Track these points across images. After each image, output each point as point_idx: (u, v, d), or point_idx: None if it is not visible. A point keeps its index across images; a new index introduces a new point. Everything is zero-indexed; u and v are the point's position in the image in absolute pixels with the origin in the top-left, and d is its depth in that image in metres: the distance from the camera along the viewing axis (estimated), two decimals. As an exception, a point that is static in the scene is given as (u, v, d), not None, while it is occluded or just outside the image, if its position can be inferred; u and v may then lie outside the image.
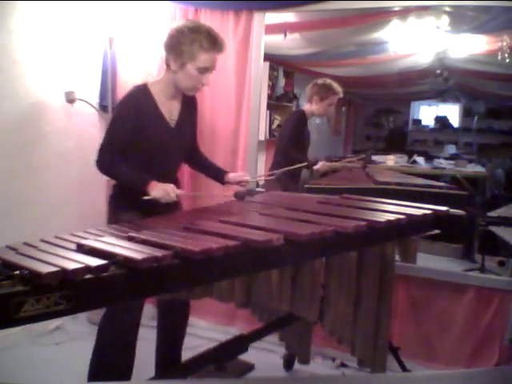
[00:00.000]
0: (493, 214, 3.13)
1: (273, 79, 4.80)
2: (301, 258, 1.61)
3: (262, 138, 3.94)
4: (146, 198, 1.97)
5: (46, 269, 1.06)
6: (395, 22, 3.50)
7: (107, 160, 2.07)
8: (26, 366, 2.61)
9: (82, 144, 3.25)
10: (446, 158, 5.92)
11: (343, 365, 2.77)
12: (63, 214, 3.13)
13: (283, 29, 3.55)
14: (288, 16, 3.29)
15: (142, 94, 2.08)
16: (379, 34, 3.78)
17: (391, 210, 1.90)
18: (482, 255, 3.64)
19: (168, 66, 2.08)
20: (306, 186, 3.35)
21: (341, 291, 1.90)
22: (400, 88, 6.34)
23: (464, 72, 5.35)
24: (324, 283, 1.89)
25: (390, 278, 2.03)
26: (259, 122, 3.08)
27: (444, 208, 2.04)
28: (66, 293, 1.06)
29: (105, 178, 2.23)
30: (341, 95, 3.33)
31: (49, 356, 2.74)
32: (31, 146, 2.92)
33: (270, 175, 2.88)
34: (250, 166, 3.03)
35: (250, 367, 2.67)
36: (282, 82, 5.01)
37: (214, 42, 2.01)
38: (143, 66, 3.25)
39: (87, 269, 1.10)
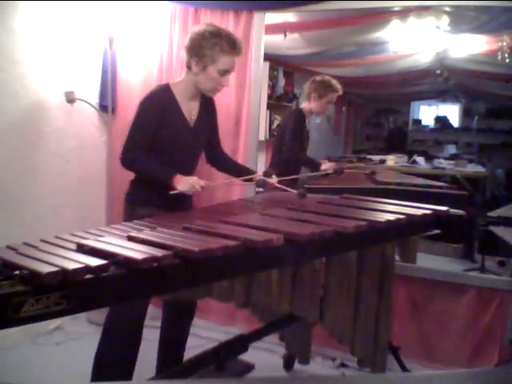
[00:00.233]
0: (493, 213, 3.13)
1: (273, 79, 4.80)
2: (301, 258, 1.61)
3: (261, 138, 3.95)
4: (172, 192, 2.03)
5: (46, 269, 1.06)
6: (395, 22, 3.50)
7: (132, 155, 2.13)
8: (26, 366, 2.61)
9: (82, 144, 3.25)
10: (446, 158, 5.92)
11: (343, 365, 2.77)
12: (63, 214, 3.14)
13: (283, 29, 3.55)
14: (288, 16, 3.29)
15: (165, 93, 2.17)
16: (379, 34, 3.78)
17: (391, 210, 1.90)
18: (482, 255, 3.64)
19: (189, 68, 2.17)
20: (305, 185, 3.34)
21: (341, 291, 1.90)
22: (400, 88, 6.35)
23: (464, 72, 5.35)
24: (324, 283, 1.89)
25: (390, 277, 2.03)
26: (259, 122, 3.08)
27: (444, 208, 2.04)
28: (65, 293, 1.06)
29: (130, 173, 2.27)
30: (340, 93, 3.27)
31: (49, 356, 2.74)
32: (31, 145, 2.92)
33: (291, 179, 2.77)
34: (250, 166, 3.02)
35: (249, 367, 2.67)
36: (281, 82, 5.01)
37: (233, 46, 2.10)
38: (143, 65, 3.25)
39: (87, 269, 1.10)
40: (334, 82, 3.22)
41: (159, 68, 3.19)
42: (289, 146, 3.22)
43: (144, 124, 2.14)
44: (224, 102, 3.07)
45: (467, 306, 2.65)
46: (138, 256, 1.18)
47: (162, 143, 2.16)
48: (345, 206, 1.97)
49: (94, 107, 3.25)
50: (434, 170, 5.02)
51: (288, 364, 2.70)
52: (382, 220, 1.73)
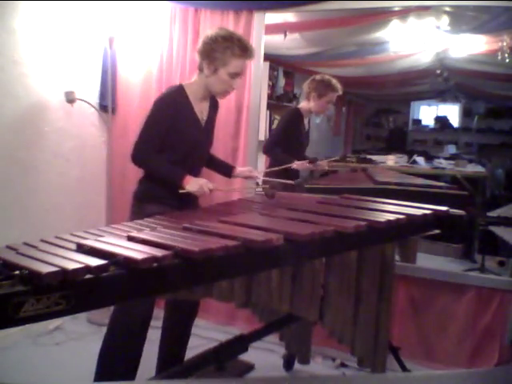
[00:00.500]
0: (493, 213, 3.13)
1: (273, 79, 4.80)
2: (301, 258, 1.61)
3: (261, 138, 3.94)
4: (181, 191, 2.09)
5: (46, 269, 1.06)
6: (395, 22, 3.49)
7: (144, 154, 2.17)
8: (26, 366, 2.61)
9: (82, 144, 3.25)
10: (446, 158, 5.91)
11: (343, 365, 2.77)
12: (63, 213, 3.14)
13: (283, 29, 3.55)
14: (288, 16, 3.29)
15: (179, 93, 2.22)
16: (379, 34, 3.78)
17: (391, 210, 1.90)
18: (482, 255, 3.64)
19: (201, 70, 2.23)
20: (305, 186, 3.34)
21: (341, 291, 1.90)
22: (400, 88, 6.35)
23: (464, 72, 5.35)
24: (324, 283, 1.89)
25: (390, 278, 2.03)
26: (259, 122, 3.08)
27: (444, 208, 2.04)
28: (65, 293, 1.06)
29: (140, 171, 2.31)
30: (340, 92, 3.22)
31: (49, 356, 2.74)
32: (31, 145, 2.92)
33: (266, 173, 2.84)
34: (250, 166, 3.03)
35: (249, 367, 2.67)
36: (281, 81, 5.01)
37: (244, 49, 2.15)
38: (143, 65, 3.25)
39: (87, 269, 1.10)
40: (334, 81, 3.18)
41: (159, 68, 3.19)
42: (269, 141, 3.25)
43: (157, 123, 2.18)
44: (224, 102, 3.07)
45: (467, 306, 2.65)
46: (138, 256, 1.18)
47: (175, 142, 2.21)
48: (345, 206, 1.97)
49: (94, 107, 3.25)
50: (433, 169, 5.01)
51: (288, 364, 2.70)
52: (382, 220, 1.73)
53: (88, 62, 3.22)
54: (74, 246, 1.30)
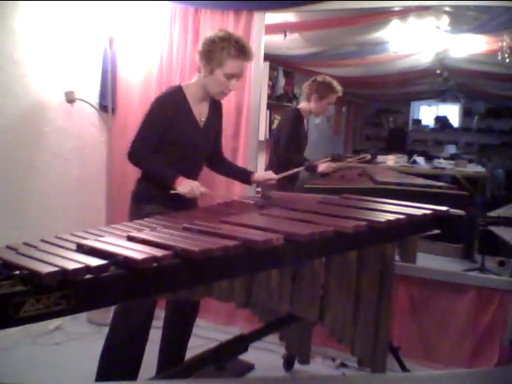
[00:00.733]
0: (493, 213, 3.13)
1: (273, 79, 4.80)
2: (301, 258, 1.61)
3: (262, 138, 3.94)
4: (172, 192, 2.09)
5: (46, 269, 1.06)
6: (395, 22, 3.49)
7: (139, 153, 2.19)
8: (26, 366, 2.61)
9: (82, 144, 3.25)
10: (446, 158, 5.92)
11: (343, 365, 2.77)
12: (63, 213, 3.14)
13: (283, 29, 3.55)
14: (288, 16, 3.29)
15: (178, 94, 2.22)
16: (379, 34, 3.78)
17: (391, 210, 1.90)
18: (482, 255, 3.64)
19: (200, 71, 2.24)
20: (305, 186, 3.34)
21: (341, 291, 1.90)
22: (400, 88, 6.35)
23: (464, 72, 5.35)
24: (324, 283, 1.89)
25: (390, 277, 2.03)
26: (259, 122, 3.08)
27: (444, 208, 2.04)
28: (66, 293, 1.06)
29: (137, 169, 2.32)
30: (340, 94, 3.23)
31: (49, 356, 2.74)
32: (31, 145, 2.92)
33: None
34: (250, 166, 3.03)
35: (249, 367, 2.67)
36: (281, 81, 5.01)
37: (241, 51, 2.13)
38: (143, 65, 3.25)
39: (87, 269, 1.10)
40: (335, 83, 3.18)
41: (159, 68, 3.19)
42: (284, 148, 3.18)
43: (154, 122, 2.19)
44: (224, 102, 3.06)
45: (467, 306, 2.65)
46: (138, 256, 1.18)
47: (172, 143, 2.21)
48: (345, 206, 1.97)
49: (94, 107, 3.25)
50: (434, 169, 5.01)
51: (288, 364, 2.70)
52: (382, 220, 1.73)
53: (88, 61, 3.22)
54: (73, 246, 1.30)
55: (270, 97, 4.63)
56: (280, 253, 1.45)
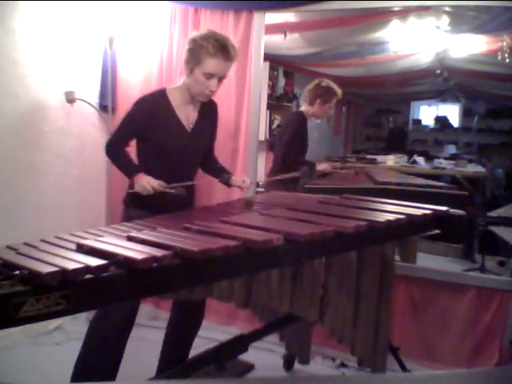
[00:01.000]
0: (493, 213, 3.13)
1: (273, 79, 4.80)
2: (301, 258, 1.61)
3: (262, 138, 3.95)
4: (129, 191, 2.07)
5: (46, 269, 1.06)
6: (395, 22, 3.50)
7: (111, 148, 2.22)
8: (26, 366, 2.61)
9: (82, 144, 3.25)
10: (446, 158, 5.92)
11: (343, 365, 2.77)
12: (63, 213, 3.14)
13: (283, 29, 3.55)
14: (288, 16, 3.29)
15: (159, 97, 2.19)
16: (379, 34, 3.78)
17: (391, 210, 1.90)
18: (482, 255, 3.64)
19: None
20: (305, 186, 3.34)
21: (341, 291, 1.90)
22: (400, 88, 6.35)
23: (464, 72, 5.35)
24: (324, 283, 1.89)
25: (390, 277, 2.03)
26: (259, 122, 3.08)
27: (444, 208, 2.04)
28: (65, 293, 1.06)
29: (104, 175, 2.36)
30: (340, 97, 3.36)
31: (49, 356, 2.74)
32: (31, 145, 2.92)
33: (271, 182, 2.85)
34: (250, 166, 3.03)
35: (249, 367, 2.67)
36: (282, 81, 5.01)
37: (220, 49, 2.06)
38: (143, 65, 3.25)
39: (87, 269, 1.10)
40: (336, 86, 3.29)
41: (159, 68, 3.19)
42: (287, 150, 3.28)
43: (130, 122, 2.18)
44: (224, 101, 3.07)
45: (467, 306, 2.65)
46: (138, 256, 1.18)
47: (157, 148, 2.18)
48: (345, 206, 1.97)
49: (93, 107, 3.25)
50: (434, 169, 5.02)
51: (288, 364, 2.70)
52: (382, 220, 1.73)
53: (88, 61, 3.22)
54: (73, 246, 1.30)
55: (269, 97, 4.63)
56: (280, 253, 1.45)
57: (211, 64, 2.08)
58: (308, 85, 3.40)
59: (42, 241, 1.40)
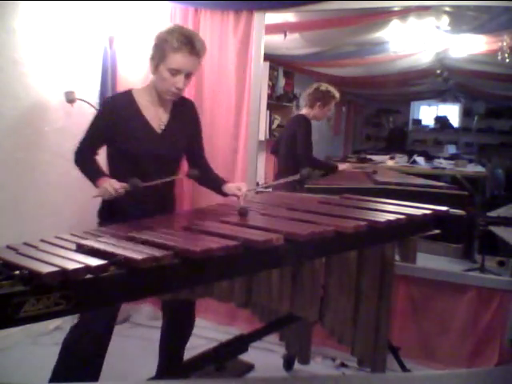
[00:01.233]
0: (493, 213, 3.13)
1: (273, 79, 4.81)
2: (301, 258, 1.61)
3: (262, 137, 3.95)
4: (94, 196, 1.96)
5: (46, 269, 1.06)
6: (395, 22, 3.50)
7: (78, 154, 2.15)
8: (26, 366, 2.61)
9: (82, 144, 3.25)
10: (446, 158, 5.92)
11: (343, 365, 2.76)
12: (63, 213, 3.13)
13: (283, 29, 3.55)
14: (288, 16, 3.29)
15: (124, 98, 2.07)
16: (379, 34, 3.78)
17: (391, 210, 1.90)
18: (482, 255, 3.64)
19: None
20: (305, 186, 3.35)
21: (341, 291, 1.90)
22: (400, 88, 6.36)
23: (464, 72, 5.36)
24: (324, 283, 1.89)
25: (390, 277, 2.03)
26: (259, 122, 3.08)
27: (444, 208, 2.04)
28: (65, 293, 1.06)
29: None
30: (338, 100, 3.52)
31: (49, 356, 2.73)
32: (31, 145, 2.91)
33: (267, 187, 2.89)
34: (250, 166, 3.03)
35: (249, 367, 2.67)
36: (281, 82, 5.01)
37: (185, 43, 1.92)
38: (143, 65, 3.25)
39: (87, 269, 1.10)
40: (334, 90, 3.45)
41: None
42: (307, 155, 3.39)
43: (95, 127, 2.09)
44: (224, 101, 3.07)
45: (467, 306, 2.65)
46: (138, 256, 1.18)
47: (127, 152, 2.04)
48: (345, 206, 1.97)
49: (93, 107, 3.25)
50: (434, 169, 5.02)
51: (288, 364, 2.70)
52: (382, 220, 1.73)
53: (88, 61, 3.22)
54: (73, 246, 1.30)
55: (269, 97, 4.64)
56: (280, 253, 1.45)
57: (176, 59, 1.93)
58: (307, 89, 3.52)
59: (42, 241, 1.40)
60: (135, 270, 1.17)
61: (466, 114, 7.73)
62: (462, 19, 3.39)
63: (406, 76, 5.43)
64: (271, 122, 4.75)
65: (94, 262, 1.13)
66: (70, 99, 3.02)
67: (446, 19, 3.38)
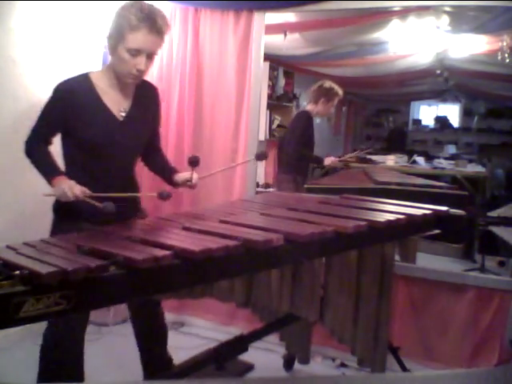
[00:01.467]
0: (493, 213, 3.13)
1: (273, 79, 4.81)
2: (301, 258, 1.61)
3: (262, 138, 3.96)
4: (45, 195, 1.79)
5: (45, 269, 1.06)
6: (395, 22, 3.50)
7: (29, 145, 1.94)
8: (26, 366, 2.60)
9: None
10: (446, 158, 5.92)
11: (343, 365, 2.76)
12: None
13: (283, 29, 3.56)
14: (288, 16, 3.29)
15: (81, 82, 1.88)
16: (379, 34, 3.78)
17: (391, 210, 1.90)
18: (482, 255, 3.64)
19: None
20: (305, 186, 3.36)
21: (341, 291, 1.90)
22: (400, 88, 6.36)
23: (464, 72, 5.36)
24: (324, 283, 1.89)
25: (390, 277, 2.03)
26: (259, 122, 3.08)
27: (444, 208, 2.04)
28: (65, 293, 1.06)
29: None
30: (341, 96, 3.67)
31: (49, 356, 2.73)
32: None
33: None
34: (250, 166, 3.03)
35: (249, 367, 2.67)
36: (281, 81, 5.02)
37: (145, 20, 1.74)
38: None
39: (87, 269, 1.10)
40: (337, 87, 3.60)
41: (159, 68, 3.19)
42: (296, 147, 3.58)
43: (48, 114, 1.89)
44: (224, 101, 3.07)
45: (467, 306, 2.65)
46: (138, 256, 1.18)
47: (85, 142, 1.86)
48: (345, 206, 1.96)
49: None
50: (433, 170, 5.02)
51: (288, 364, 2.70)
52: (382, 220, 1.73)
53: (87, 61, 3.21)
54: (73, 246, 1.30)
55: (270, 97, 4.64)
56: (280, 253, 1.45)
57: (136, 38, 1.76)
58: (311, 86, 3.69)
59: (42, 241, 1.40)
60: (135, 270, 1.17)
61: (466, 113, 7.73)
62: (462, 19, 3.39)
63: (406, 76, 5.44)
64: (271, 122, 4.75)
65: (94, 262, 1.13)
66: (70, 99, 3.02)
67: (446, 19, 3.38)
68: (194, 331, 2.92)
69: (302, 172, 3.69)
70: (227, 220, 1.66)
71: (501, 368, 1.78)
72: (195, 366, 1.94)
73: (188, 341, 2.74)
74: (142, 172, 2.36)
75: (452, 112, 7.95)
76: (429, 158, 5.79)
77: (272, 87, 4.78)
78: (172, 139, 3.14)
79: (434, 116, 8.03)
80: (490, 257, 3.60)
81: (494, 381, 0.86)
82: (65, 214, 1.92)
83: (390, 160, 5.11)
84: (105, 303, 1.29)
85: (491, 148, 7.03)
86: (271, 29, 3.11)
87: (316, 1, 2.80)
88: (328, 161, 3.89)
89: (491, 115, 7.37)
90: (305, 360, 2.49)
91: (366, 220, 1.69)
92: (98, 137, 1.86)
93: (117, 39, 1.79)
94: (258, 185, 3.14)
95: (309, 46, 4.23)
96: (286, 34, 3.61)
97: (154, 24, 1.77)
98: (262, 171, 4.56)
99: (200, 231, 1.49)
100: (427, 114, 8.13)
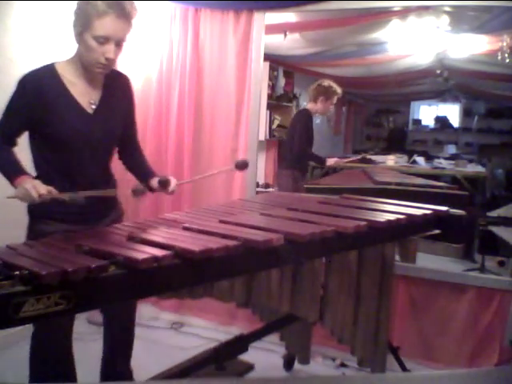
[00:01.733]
0: (493, 213, 3.13)
1: (273, 79, 4.81)
2: (301, 258, 1.61)
3: (262, 138, 3.97)
4: (8, 196, 1.66)
5: (46, 269, 1.06)
6: (395, 22, 3.50)
7: None
8: (26, 366, 2.60)
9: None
10: (446, 158, 5.92)
11: (343, 365, 2.76)
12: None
13: (283, 29, 3.56)
14: (288, 16, 3.29)
15: (47, 73, 1.76)
16: (379, 34, 3.78)
17: (391, 210, 1.90)
18: (482, 255, 3.64)
19: None
20: (305, 186, 3.37)
21: (341, 291, 1.90)
22: (400, 88, 6.35)
23: (464, 72, 5.35)
24: (324, 283, 1.89)
25: (390, 277, 2.03)
26: (259, 122, 3.08)
27: (444, 208, 2.04)
28: (65, 293, 1.06)
29: None
30: (340, 95, 3.70)
31: (49, 356, 2.73)
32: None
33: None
34: (250, 166, 3.02)
35: (249, 367, 2.67)
36: (281, 81, 5.02)
37: (112, 5, 1.65)
38: (143, 65, 3.25)
39: (87, 269, 1.10)
40: (336, 85, 3.65)
41: (159, 68, 3.19)
42: (299, 144, 3.64)
43: (13, 109, 1.75)
44: (224, 101, 3.07)
45: (467, 306, 2.65)
46: (138, 256, 1.18)
47: (53, 137, 1.75)
48: (345, 206, 1.97)
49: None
50: (433, 170, 5.02)
51: (288, 364, 2.70)
52: (382, 220, 1.73)
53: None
54: (73, 246, 1.30)
55: (270, 97, 4.64)
56: (280, 253, 1.45)
57: (103, 24, 1.66)
58: (311, 85, 3.73)
59: (42, 241, 1.40)
60: (135, 270, 1.17)
61: (466, 114, 7.73)
62: (462, 19, 3.39)
63: (406, 76, 5.43)
64: (271, 122, 4.76)
65: (94, 262, 1.13)
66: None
67: (446, 19, 3.38)
68: (194, 331, 2.91)
69: (301, 168, 3.75)
70: (227, 220, 1.66)
71: (501, 368, 1.78)
72: (195, 365, 1.94)
73: (188, 341, 2.73)
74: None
75: (452, 112, 7.95)
76: (429, 157, 5.79)
77: (272, 87, 4.78)
78: (172, 139, 3.14)
79: (434, 116, 8.03)
80: (490, 257, 3.60)
81: (494, 381, 0.86)
82: (39, 215, 1.83)
83: (390, 160, 5.11)
84: (105, 303, 1.29)
85: (491, 148, 7.03)
86: (271, 29, 3.11)
87: (316, 1, 2.80)
88: (331, 161, 3.93)
89: (491, 115, 7.38)
90: (305, 360, 2.49)
91: (366, 220, 1.69)
92: (67, 131, 1.74)
93: (83, 26, 1.69)
94: (258, 185, 3.14)
95: (309, 46, 4.23)
96: (286, 34, 3.61)
97: (123, 9, 1.67)
98: (262, 171, 4.57)
99: (200, 231, 1.49)
100: (427, 113, 8.13)
